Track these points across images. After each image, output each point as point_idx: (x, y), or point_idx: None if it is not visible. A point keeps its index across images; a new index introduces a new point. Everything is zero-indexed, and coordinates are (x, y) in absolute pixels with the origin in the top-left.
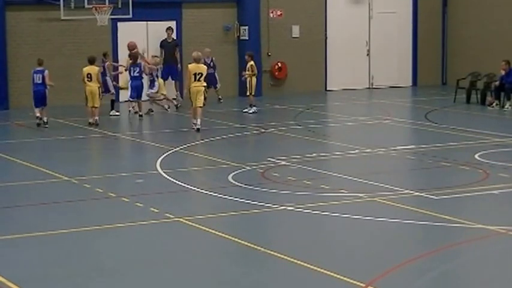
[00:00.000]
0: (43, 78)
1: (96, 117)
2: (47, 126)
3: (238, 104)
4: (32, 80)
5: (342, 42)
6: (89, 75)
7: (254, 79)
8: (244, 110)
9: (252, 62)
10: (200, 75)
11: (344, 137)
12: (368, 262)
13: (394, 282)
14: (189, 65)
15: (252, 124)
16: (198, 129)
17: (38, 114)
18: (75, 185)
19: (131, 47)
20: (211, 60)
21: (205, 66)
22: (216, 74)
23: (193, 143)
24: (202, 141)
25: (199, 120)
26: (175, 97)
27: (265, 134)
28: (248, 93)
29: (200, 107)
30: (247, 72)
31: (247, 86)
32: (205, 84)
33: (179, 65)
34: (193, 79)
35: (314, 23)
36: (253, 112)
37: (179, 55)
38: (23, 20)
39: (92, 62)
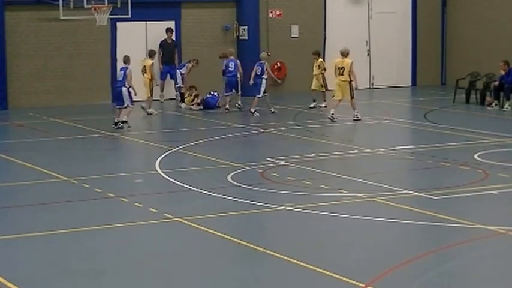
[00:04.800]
0: (124, 76)
1: (149, 109)
2: (120, 126)
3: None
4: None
5: (341, 42)
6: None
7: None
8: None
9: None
10: (342, 69)
11: (344, 137)
12: (367, 262)
13: (394, 283)
14: (336, 60)
15: (251, 124)
16: (358, 119)
17: (116, 119)
18: (74, 185)
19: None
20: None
21: (348, 61)
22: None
23: (192, 143)
24: (201, 141)
25: (355, 111)
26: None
27: (265, 134)
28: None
29: (352, 97)
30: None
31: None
32: (347, 78)
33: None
34: (336, 73)
35: (313, 22)
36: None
37: (177, 56)
38: (22, 20)
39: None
